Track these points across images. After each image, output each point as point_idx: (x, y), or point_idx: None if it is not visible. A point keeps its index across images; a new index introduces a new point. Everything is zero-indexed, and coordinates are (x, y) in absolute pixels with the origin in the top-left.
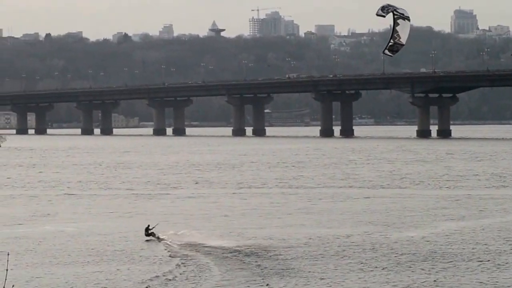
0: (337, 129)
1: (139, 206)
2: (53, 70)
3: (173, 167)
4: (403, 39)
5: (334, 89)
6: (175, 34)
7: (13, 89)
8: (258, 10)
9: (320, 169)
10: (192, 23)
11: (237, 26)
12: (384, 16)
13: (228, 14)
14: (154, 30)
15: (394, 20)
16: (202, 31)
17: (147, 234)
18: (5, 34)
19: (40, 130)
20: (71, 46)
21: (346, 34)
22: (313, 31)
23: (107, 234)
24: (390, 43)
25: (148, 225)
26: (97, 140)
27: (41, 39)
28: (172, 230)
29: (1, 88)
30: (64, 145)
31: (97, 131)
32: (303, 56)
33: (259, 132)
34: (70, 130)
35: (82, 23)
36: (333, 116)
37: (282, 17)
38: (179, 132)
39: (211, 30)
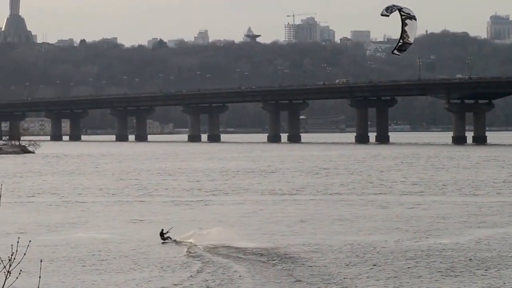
0: (372, 136)
1: (172, 212)
2: (88, 76)
3: (207, 174)
4: (411, 38)
5: (369, 95)
6: (211, 40)
7: (48, 95)
8: (293, 15)
9: (354, 176)
10: (228, 29)
11: (273, 32)
12: (388, 16)
13: (264, 20)
14: (189, 36)
15: (402, 20)
16: (238, 37)
17: (163, 238)
18: (39, 40)
19: (75, 137)
20: (106, 52)
21: (381, 40)
22: (348, 37)
23: (140, 241)
24: (400, 43)
25: (162, 229)
26: (131, 147)
27: (75, 45)
28: (187, 232)
29: (35, 95)
30: (98, 151)
31: (131, 137)
32: (339, 62)
33: (294, 139)
34: (104, 137)
35: (117, 29)
36: (369, 123)
37: (317, 23)
38: (214, 138)
39: (247, 36)
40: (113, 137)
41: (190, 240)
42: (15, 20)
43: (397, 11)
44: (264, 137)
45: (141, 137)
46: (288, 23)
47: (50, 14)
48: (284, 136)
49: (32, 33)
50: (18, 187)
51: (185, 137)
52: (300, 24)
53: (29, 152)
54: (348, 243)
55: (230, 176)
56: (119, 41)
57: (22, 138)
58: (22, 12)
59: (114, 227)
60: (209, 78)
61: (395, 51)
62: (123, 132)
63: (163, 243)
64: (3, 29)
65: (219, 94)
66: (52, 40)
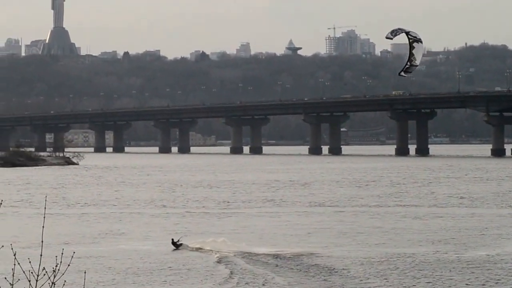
0: (412, 148)
1: (211, 224)
2: (131, 88)
3: (247, 185)
4: (418, 61)
5: (409, 108)
6: (252, 52)
7: (91, 107)
8: (334, 28)
9: (393, 188)
10: (269, 42)
11: (314, 45)
12: (391, 39)
13: (305, 32)
14: (231, 49)
15: (410, 43)
16: (279, 50)
17: (176, 246)
18: (83, 52)
19: (118, 148)
20: (149, 64)
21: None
22: (389, 49)
23: (179, 252)
24: (407, 65)
25: (172, 239)
26: (174, 159)
27: (119, 57)
28: (200, 239)
29: (79, 106)
30: (141, 163)
31: (174, 149)
32: (379, 75)
33: (335, 151)
34: (147, 149)
35: (160, 42)
36: (409, 135)
37: (358, 35)
38: (256, 150)
39: (288, 48)
40: (156, 149)
41: (207, 247)
42: (59, 33)
43: (403, 34)
44: (305, 149)
45: (184, 149)
46: (329, 35)
47: (93, 26)
48: (325, 148)
49: (76, 46)
50: (62, 198)
51: (227, 149)
52: (341, 37)
53: (73, 163)
54: (387, 255)
55: (271, 188)
56: (162, 53)
57: (66, 149)
58: (66, 25)
59: (156, 238)
60: (251, 91)
61: (402, 73)
62: (166, 144)
63: (175, 249)
64: (47, 41)
65: (261, 107)
66: (96, 52)
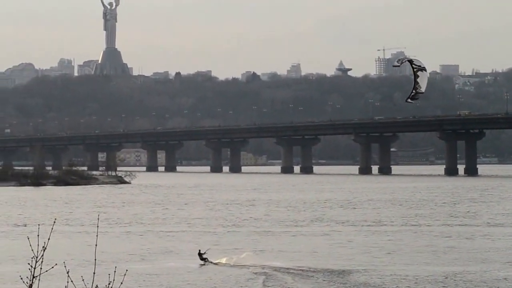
0: (461, 168)
1: (260, 242)
2: (183, 108)
3: (297, 205)
4: (423, 88)
5: (458, 128)
6: (303, 73)
7: (143, 127)
8: (384, 50)
9: (442, 207)
10: (320, 63)
11: (364, 66)
12: (398, 66)
13: (355, 53)
14: (282, 69)
15: (414, 72)
16: (329, 71)
17: (201, 259)
18: (135, 72)
19: (170, 168)
20: (201, 84)
21: (470, 74)
22: (438, 70)
23: (228, 270)
24: (413, 93)
25: (200, 250)
26: (225, 178)
27: (171, 77)
28: (225, 255)
29: (131, 126)
30: (192, 182)
31: (226, 168)
32: (428, 96)
33: (384, 171)
34: (199, 168)
35: (211, 62)
36: (458, 155)
37: (407, 56)
38: (306, 170)
39: (338, 69)
40: (208, 168)
41: (227, 262)
42: (112, 53)
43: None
44: (355, 169)
45: (235, 169)
46: (379, 57)
47: (145, 47)
48: (375, 168)
49: (128, 66)
50: (114, 216)
51: (278, 168)
52: (390, 58)
53: (125, 182)
54: (434, 274)
55: (320, 207)
56: (213, 74)
57: (118, 168)
58: (118, 45)
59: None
60: (302, 111)
61: (409, 100)
62: (218, 164)
63: (202, 265)
64: (99, 61)
65: (311, 127)
66: (148, 72)
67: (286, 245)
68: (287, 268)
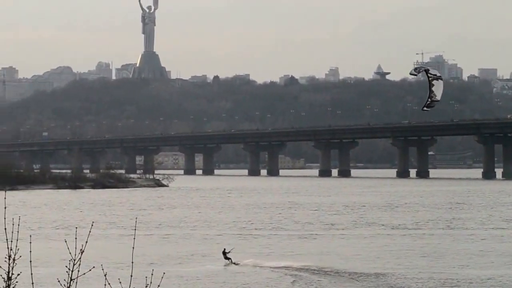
0: (499, 171)
1: (295, 245)
2: (221, 111)
3: (331, 208)
4: (439, 97)
5: (496, 132)
6: (341, 77)
7: (181, 130)
8: (422, 53)
9: (479, 211)
10: (358, 67)
11: (402, 69)
12: (416, 75)
13: (393, 57)
14: (320, 73)
15: (429, 81)
16: (367, 74)
17: (226, 258)
18: (173, 76)
19: (208, 171)
20: (239, 88)
21: (508, 77)
22: (476, 74)
23: (263, 273)
24: (428, 101)
25: (224, 249)
26: (262, 181)
27: (209, 81)
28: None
29: (169, 129)
30: (229, 185)
31: (263, 172)
32: (466, 99)
33: (422, 174)
34: (237, 171)
35: (249, 66)
36: (496, 159)
37: (446, 60)
38: (344, 173)
39: (376, 73)
40: (246, 171)
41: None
42: (150, 57)
43: (424, 72)
44: (393, 172)
45: (273, 172)
46: (417, 60)
47: (184, 51)
48: (412, 172)
49: (166, 69)
50: (152, 219)
51: (316, 172)
52: (429, 62)
53: (163, 185)
54: (473, 277)
55: (356, 210)
56: (251, 77)
57: (156, 171)
58: (156, 49)
59: (238, 259)
60: (340, 114)
61: (425, 108)
62: (255, 167)
63: (227, 264)
64: (137, 65)
65: (349, 130)
66: (186, 76)
67: (319, 247)
68: (315, 270)
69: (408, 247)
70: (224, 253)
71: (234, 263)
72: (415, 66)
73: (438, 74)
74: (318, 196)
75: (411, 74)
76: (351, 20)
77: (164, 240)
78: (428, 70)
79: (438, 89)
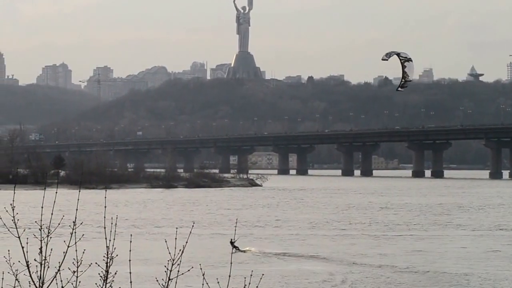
0: None
1: (373, 245)
2: (315, 112)
3: (415, 209)
4: (411, 77)
5: None
6: (435, 78)
7: (275, 130)
8: None
9: None
10: (452, 68)
11: (496, 71)
12: (387, 60)
13: (487, 59)
14: (414, 74)
15: (402, 63)
16: (461, 76)
17: (233, 247)
18: (268, 76)
19: (301, 171)
20: (333, 89)
21: None
22: None
23: (338, 273)
24: (402, 82)
25: (231, 239)
26: (355, 182)
27: (303, 81)
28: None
29: (263, 129)
30: (321, 185)
31: (357, 172)
32: None
33: None
34: (330, 171)
35: (344, 67)
36: None
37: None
38: (437, 174)
39: (470, 74)
40: (339, 171)
41: (252, 249)
42: (244, 57)
43: (395, 56)
44: (485, 173)
45: (366, 172)
46: (511, 62)
47: (278, 51)
48: (505, 173)
49: (261, 70)
50: (250, 218)
51: (409, 172)
52: None
53: (256, 185)
54: None
55: (438, 211)
56: (345, 78)
57: (250, 171)
58: (251, 49)
59: (329, 259)
60: (433, 115)
61: (399, 88)
62: (349, 167)
63: (234, 252)
64: (232, 65)
65: (442, 131)
66: (280, 76)
67: (398, 248)
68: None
69: (491, 248)
70: (232, 242)
71: (240, 250)
72: (509, 66)
73: (409, 56)
74: (402, 197)
75: (383, 59)
76: (447, 22)
77: (252, 238)
78: (399, 53)
79: (410, 70)
